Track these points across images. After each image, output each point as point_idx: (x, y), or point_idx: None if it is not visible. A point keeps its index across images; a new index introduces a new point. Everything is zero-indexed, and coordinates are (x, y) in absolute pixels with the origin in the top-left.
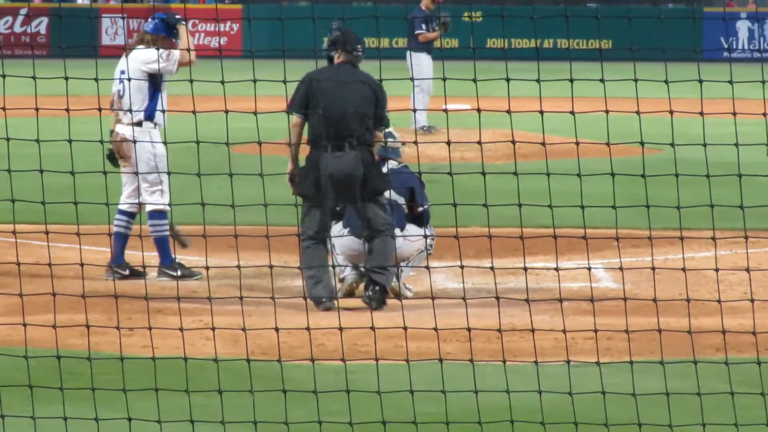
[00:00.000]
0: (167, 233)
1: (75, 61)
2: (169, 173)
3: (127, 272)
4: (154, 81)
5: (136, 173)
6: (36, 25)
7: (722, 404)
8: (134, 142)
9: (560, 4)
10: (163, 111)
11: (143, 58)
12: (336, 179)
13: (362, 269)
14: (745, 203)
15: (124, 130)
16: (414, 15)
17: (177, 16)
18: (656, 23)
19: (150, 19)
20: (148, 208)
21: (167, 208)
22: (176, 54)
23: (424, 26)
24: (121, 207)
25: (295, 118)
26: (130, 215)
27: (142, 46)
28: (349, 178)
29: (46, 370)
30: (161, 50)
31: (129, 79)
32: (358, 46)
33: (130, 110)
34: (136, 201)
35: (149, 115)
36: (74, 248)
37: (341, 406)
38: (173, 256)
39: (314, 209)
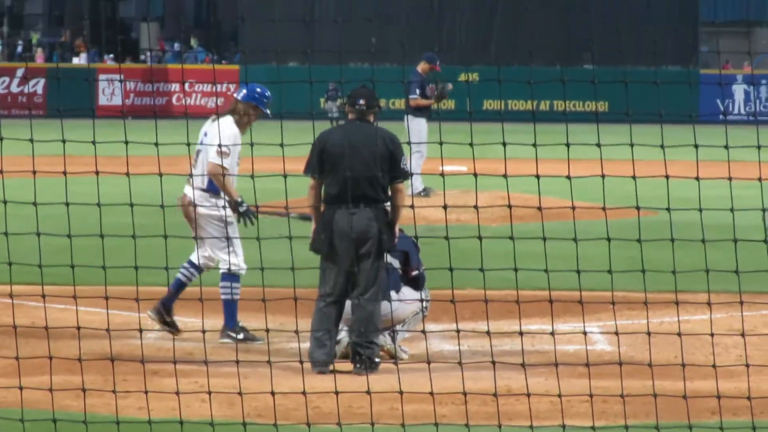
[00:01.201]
0: (236, 297)
1: (72, 121)
2: (238, 237)
3: (169, 319)
4: None
5: (198, 236)
6: (33, 86)
7: None
8: (194, 205)
9: (557, 65)
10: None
11: (219, 132)
12: (349, 237)
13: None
14: (741, 266)
15: (190, 193)
16: (410, 79)
17: (267, 95)
18: (653, 85)
19: (242, 87)
20: (221, 268)
21: (240, 271)
22: (221, 160)
23: (418, 91)
24: (191, 258)
25: (311, 181)
26: (197, 267)
27: (229, 116)
28: (362, 235)
29: None
30: (222, 149)
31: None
32: (360, 101)
33: (200, 175)
34: (205, 258)
35: (212, 187)
36: (70, 309)
37: None
38: (238, 320)
39: (330, 269)
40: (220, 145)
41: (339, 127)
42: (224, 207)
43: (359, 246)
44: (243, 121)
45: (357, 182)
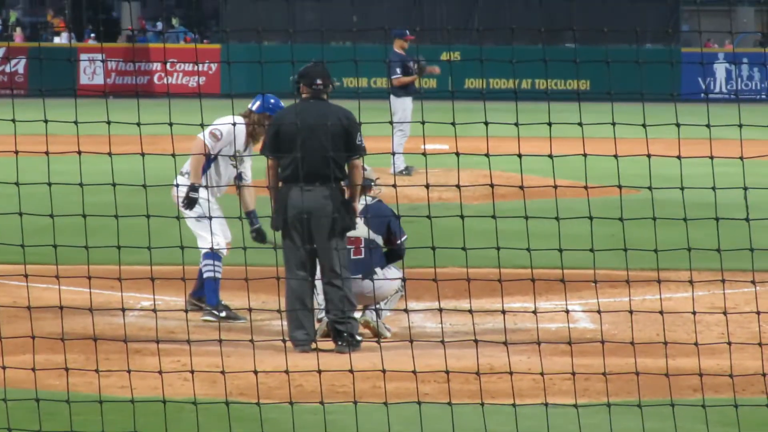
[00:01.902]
0: (218, 275)
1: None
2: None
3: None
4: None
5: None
6: (14, 65)
7: None
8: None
9: (539, 44)
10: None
11: (221, 119)
12: (303, 215)
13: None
14: (723, 244)
15: (176, 182)
16: (390, 59)
17: (280, 106)
18: (634, 64)
19: (256, 98)
20: (202, 247)
21: (221, 250)
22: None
23: (399, 70)
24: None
25: (269, 161)
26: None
27: (241, 117)
28: (316, 213)
29: (24, 412)
30: (214, 130)
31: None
32: (318, 81)
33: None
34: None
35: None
36: (53, 288)
37: None
38: (220, 298)
39: (289, 248)
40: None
41: (293, 106)
42: (206, 187)
43: (315, 224)
44: (257, 132)
45: (312, 161)
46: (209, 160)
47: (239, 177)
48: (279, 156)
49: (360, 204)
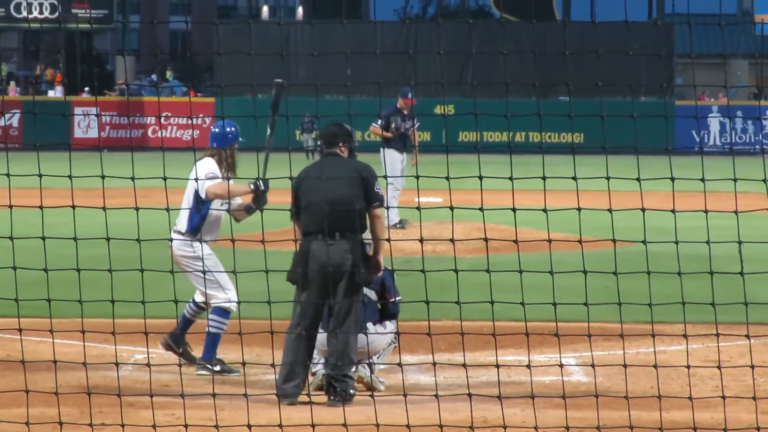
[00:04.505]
0: (222, 331)
1: (48, 154)
2: (223, 272)
3: (180, 350)
4: (198, 195)
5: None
6: (9, 119)
7: None
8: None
9: (532, 96)
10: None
11: (198, 169)
12: (324, 268)
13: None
14: (717, 296)
15: (171, 239)
16: (384, 109)
17: (232, 130)
18: (629, 117)
19: (210, 138)
20: (213, 303)
21: (231, 307)
22: (211, 184)
23: (380, 121)
24: (195, 297)
25: (293, 218)
26: (199, 306)
27: (208, 157)
28: (337, 268)
29: None
30: (209, 174)
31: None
32: (336, 139)
33: (185, 209)
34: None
35: (192, 228)
36: (47, 342)
37: None
38: (216, 353)
39: (302, 300)
40: (197, 182)
41: (314, 163)
42: (203, 242)
43: (334, 278)
44: (229, 163)
45: (331, 213)
46: (200, 215)
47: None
48: (300, 211)
49: None
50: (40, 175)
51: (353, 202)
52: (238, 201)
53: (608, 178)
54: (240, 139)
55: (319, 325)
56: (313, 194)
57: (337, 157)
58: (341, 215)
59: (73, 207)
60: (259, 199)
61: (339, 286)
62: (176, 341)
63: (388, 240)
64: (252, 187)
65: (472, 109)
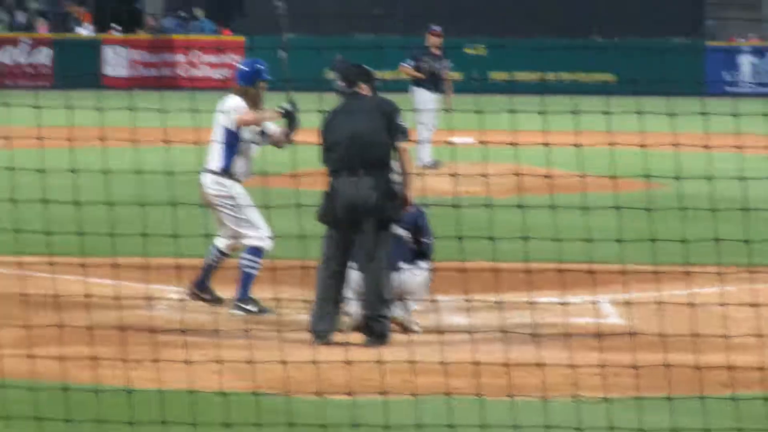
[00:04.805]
0: (256, 271)
1: (78, 92)
2: (254, 208)
3: (208, 297)
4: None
5: (218, 219)
6: (39, 55)
7: None
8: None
9: (564, 36)
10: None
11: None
12: (348, 204)
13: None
14: (751, 238)
15: (204, 180)
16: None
17: (258, 67)
18: (659, 59)
19: (237, 75)
20: (247, 242)
21: (265, 246)
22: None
23: (409, 60)
24: (216, 243)
25: (323, 158)
26: (222, 252)
27: (238, 98)
28: (362, 204)
29: (52, 403)
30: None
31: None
32: (357, 79)
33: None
34: (230, 242)
35: (224, 165)
36: (80, 281)
37: None
38: (250, 293)
39: (332, 237)
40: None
41: (338, 105)
42: (237, 181)
43: (360, 214)
44: (256, 100)
45: (355, 150)
46: (234, 147)
47: (263, 134)
48: (327, 149)
49: None
50: (70, 108)
51: (376, 136)
52: (272, 128)
53: (639, 113)
54: (267, 77)
55: (347, 261)
56: (337, 133)
57: (359, 96)
58: (365, 151)
59: (102, 140)
60: (292, 119)
61: (367, 222)
62: (201, 288)
63: (419, 175)
64: (281, 110)
65: (502, 49)
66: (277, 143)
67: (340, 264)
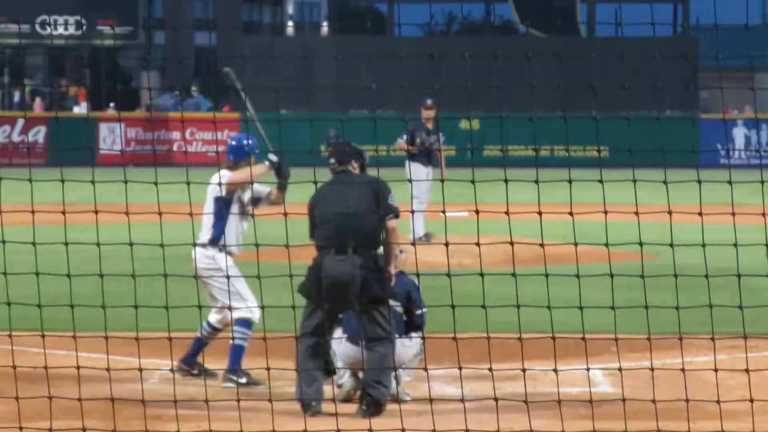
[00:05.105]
0: (246, 343)
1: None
2: (242, 278)
3: (196, 371)
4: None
5: (209, 294)
6: (34, 134)
7: None
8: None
9: (557, 111)
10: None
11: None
12: (334, 282)
13: (360, 376)
14: (744, 309)
15: (193, 254)
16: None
17: (248, 143)
18: (654, 133)
19: (228, 152)
20: (235, 315)
21: (254, 317)
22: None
23: (404, 136)
24: (209, 318)
25: (311, 236)
26: (214, 328)
27: (226, 170)
28: (346, 282)
29: None
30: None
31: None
32: (331, 160)
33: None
34: (220, 317)
35: (214, 236)
36: (71, 355)
37: None
38: (241, 365)
39: (315, 312)
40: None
41: (328, 181)
42: (227, 254)
43: (346, 293)
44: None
45: (343, 228)
46: (223, 219)
47: (256, 201)
48: (315, 226)
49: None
50: (62, 180)
51: (366, 215)
52: (264, 189)
53: (634, 181)
54: (256, 151)
55: (330, 334)
56: (326, 210)
57: (349, 174)
58: (354, 229)
59: (96, 212)
60: (281, 170)
61: (351, 298)
62: (189, 365)
63: (413, 244)
64: (268, 163)
65: (497, 123)
66: (275, 201)
67: (322, 336)
